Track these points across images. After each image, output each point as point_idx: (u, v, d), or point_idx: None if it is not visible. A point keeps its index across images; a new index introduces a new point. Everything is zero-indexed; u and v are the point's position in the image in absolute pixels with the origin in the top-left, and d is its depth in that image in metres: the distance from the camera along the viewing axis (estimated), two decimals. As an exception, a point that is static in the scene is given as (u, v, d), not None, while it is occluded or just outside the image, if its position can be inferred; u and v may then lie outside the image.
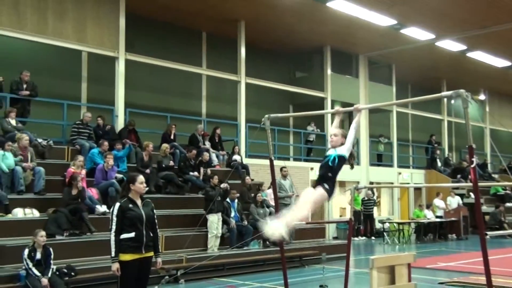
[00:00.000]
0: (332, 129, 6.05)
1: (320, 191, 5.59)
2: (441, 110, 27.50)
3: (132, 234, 5.93)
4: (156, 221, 6.29)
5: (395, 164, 24.12)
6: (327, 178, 5.68)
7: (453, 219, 20.34)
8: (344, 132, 5.96)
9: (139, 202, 6.14)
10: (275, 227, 5.23)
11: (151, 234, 6.14)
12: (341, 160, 5.85)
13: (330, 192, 5.61)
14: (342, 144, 5.84)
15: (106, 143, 12.92)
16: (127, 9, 15.31)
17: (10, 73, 13.20)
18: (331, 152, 5.94)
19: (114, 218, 5.93)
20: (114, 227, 5.91)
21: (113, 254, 5.85)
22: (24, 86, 12.97)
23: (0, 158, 10.65)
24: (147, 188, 6.30)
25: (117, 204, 6.03)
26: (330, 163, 5.79)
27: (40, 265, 8.49)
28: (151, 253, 6.17)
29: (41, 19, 13.80)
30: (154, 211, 6.33)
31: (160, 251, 6.49)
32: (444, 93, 5.83)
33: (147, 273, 6.19)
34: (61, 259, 9.41)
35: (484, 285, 6.57)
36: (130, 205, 6.02)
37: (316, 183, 5.72)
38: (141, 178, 6.25)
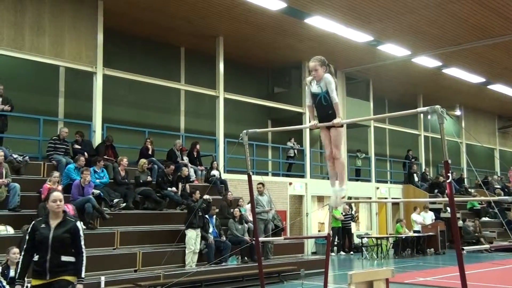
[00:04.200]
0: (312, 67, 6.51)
1: (338, 130, 6.09)
2: (418, 125, 27.79)
3: (36, 258, 5.45)
4: (81, 243, 5.58)
5: (373, 179, 24.27)
6: (331, 115, 6.06)
7: (430, 233, 20.50)
8: (322, 59, 6.57)
9: (53, 222, 5.55)
10: (337, 192, 6.01)
11: (62, 258, 5.44)
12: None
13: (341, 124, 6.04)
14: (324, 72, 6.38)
15: (82, 158, 12.76)
16: (105, 24, 15.19)
17: (-14, 88, 13.01)
18: (317, 90, 6.23)
19: (26, 237, 5.50)
20: (25, 246, 5.50)
21: (16, 275, 5.36)
22: (0, 99, 12.83)
23: (-26, 174, 10.49)
24: (60, 208, 5.59)
25: (32, 223, 5.61)
26: (323, 102, 6.12)
27: (13, 283, 8.29)
28: (64, 277, 5.43)
29: (18, 34, 13.67)
30: (80, 232, 5.63)
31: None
32: (420, 109, 5.90)
33: None
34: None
35: (461, 299, 6.58)
36: (42, 225, 5.50)
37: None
38: (54, 195, 5.60)
